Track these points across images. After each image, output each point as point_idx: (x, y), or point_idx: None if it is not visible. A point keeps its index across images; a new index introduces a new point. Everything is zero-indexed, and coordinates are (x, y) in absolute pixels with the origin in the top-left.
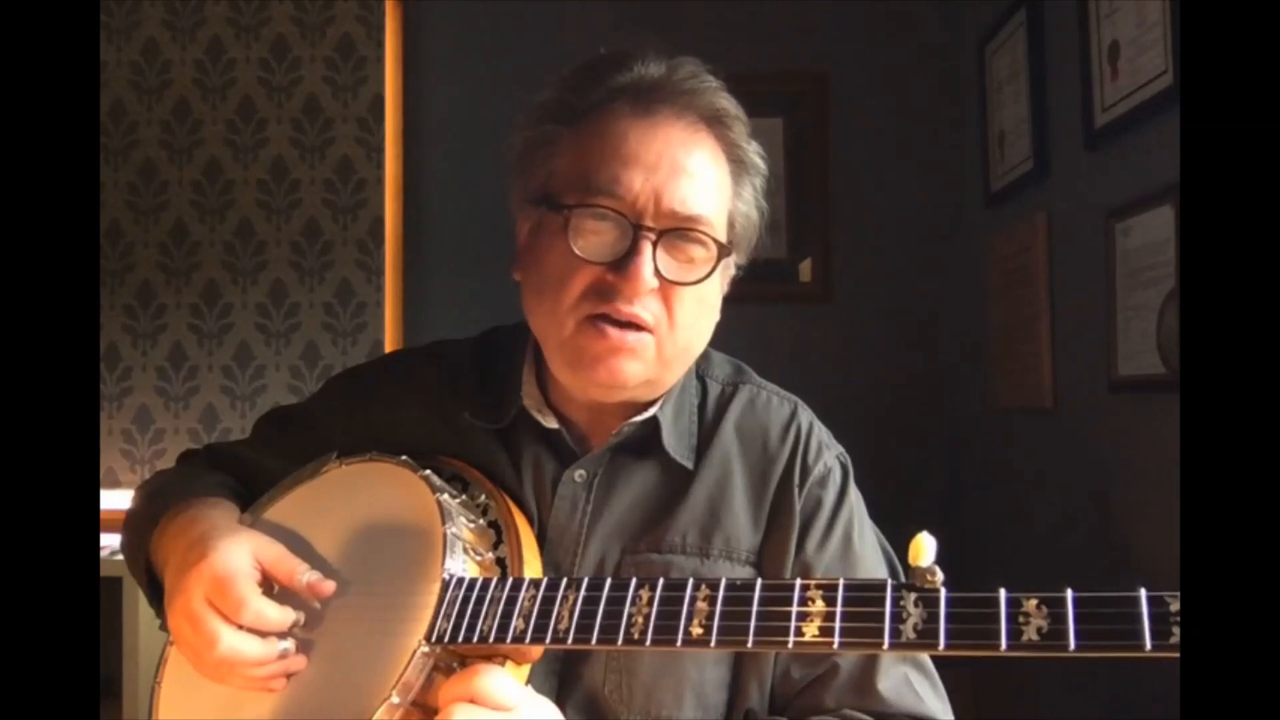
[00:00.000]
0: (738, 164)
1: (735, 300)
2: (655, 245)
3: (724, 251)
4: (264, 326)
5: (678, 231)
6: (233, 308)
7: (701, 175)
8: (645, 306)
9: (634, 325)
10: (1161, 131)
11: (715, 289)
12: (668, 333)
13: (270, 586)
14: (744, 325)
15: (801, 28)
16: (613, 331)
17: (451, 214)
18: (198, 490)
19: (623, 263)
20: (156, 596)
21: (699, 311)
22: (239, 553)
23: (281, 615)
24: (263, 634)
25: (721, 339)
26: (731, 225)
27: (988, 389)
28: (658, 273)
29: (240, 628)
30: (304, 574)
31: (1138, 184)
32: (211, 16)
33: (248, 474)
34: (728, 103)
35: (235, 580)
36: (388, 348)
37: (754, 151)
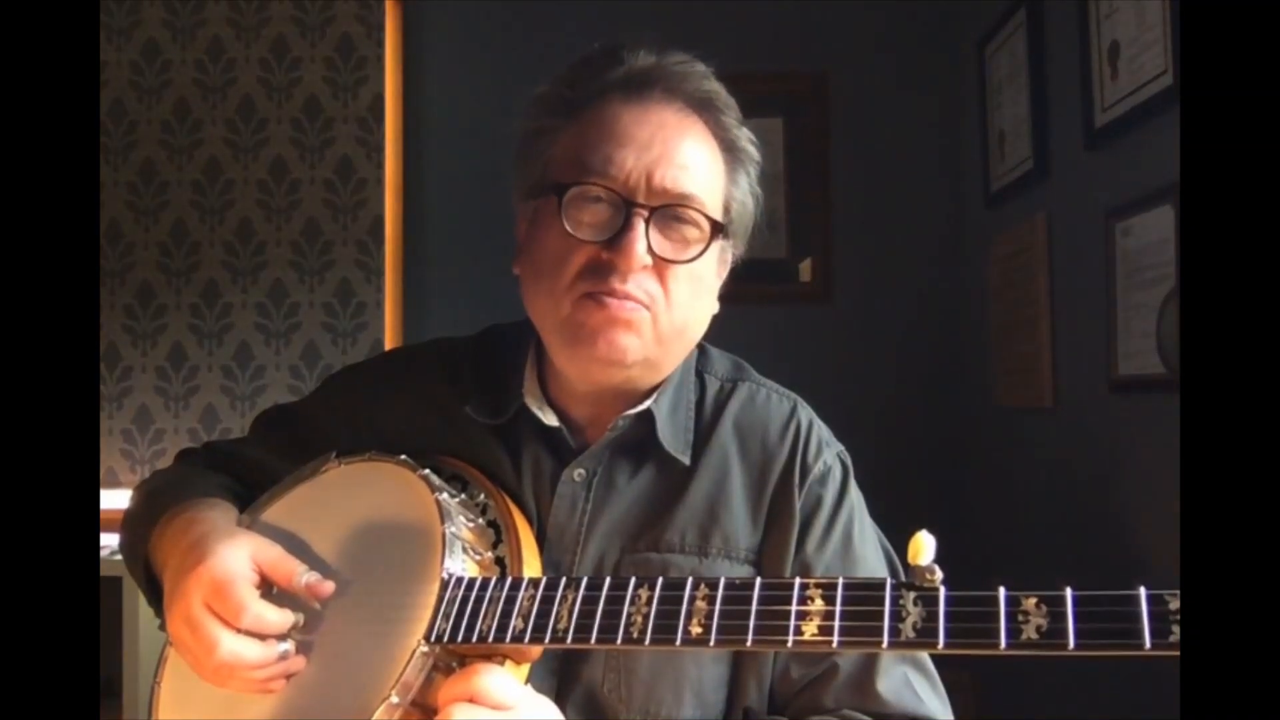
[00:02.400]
0: (731, 151)
1: (735, 300)
2: (648, 223)
3: (717, 229)
4: (264, 326)
5: (670, 209)
6: (233, 308)
7: (694, 156)
8: (639, 284)
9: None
10: (1161, 131)
11: (711, 271)
12: (664, 310)
13: (269, 588)
14: (744, 325)
15: (801, 28)
16: (611, 301)
17: (451, 214)
18: (196, 490)
19: (616, 240)
20: (156, 596)
21: (695, 292)
22: (237, 556)
23: (281, 618)
24: (262, 636)
25: (721, 339)
26: (727, 210)
27: (988, 389)
28: (651, 250)
29: (240, 631)
30: (303, 575)
31: (1138, 184)
32: (211, 16)
33: (246, 472)
34: (717, 87)
35: (233, 584)
36: (387, 348)
37: (746, 139)
